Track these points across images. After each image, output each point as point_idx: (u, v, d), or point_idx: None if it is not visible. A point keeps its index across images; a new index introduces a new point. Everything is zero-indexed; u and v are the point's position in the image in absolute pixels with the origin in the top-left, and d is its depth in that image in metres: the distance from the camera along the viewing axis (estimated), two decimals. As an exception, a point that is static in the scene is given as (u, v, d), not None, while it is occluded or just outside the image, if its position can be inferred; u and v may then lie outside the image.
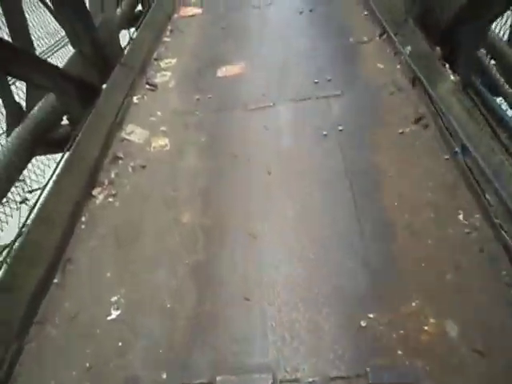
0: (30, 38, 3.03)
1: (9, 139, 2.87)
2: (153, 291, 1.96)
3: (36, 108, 3.09)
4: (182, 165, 2.63)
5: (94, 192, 2.52)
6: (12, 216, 3.06)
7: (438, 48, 2.63)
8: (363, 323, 1.67)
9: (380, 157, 2.38)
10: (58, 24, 3.34)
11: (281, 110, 2.91)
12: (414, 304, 1.69)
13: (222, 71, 3.45)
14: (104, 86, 3.15)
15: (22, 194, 3.71)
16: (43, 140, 3.08)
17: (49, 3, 2.91)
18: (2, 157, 2.76)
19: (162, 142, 2.83)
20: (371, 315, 1.69)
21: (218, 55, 3.70)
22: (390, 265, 1.86)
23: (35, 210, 2.16)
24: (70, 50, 3.98)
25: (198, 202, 2.34)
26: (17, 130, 2.93)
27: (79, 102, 2.97)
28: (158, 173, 2.61)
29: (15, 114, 3.07)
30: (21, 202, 3.85)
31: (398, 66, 2.97)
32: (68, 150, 2.59)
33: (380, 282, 1.81)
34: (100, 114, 2.89)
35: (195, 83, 3.38)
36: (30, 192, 3.78)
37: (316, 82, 3.08)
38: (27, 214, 2.19)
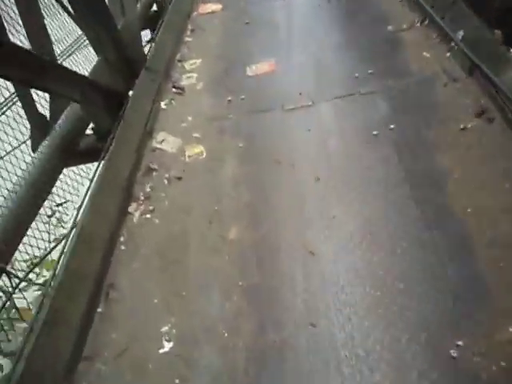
0: (51, 44, 2.88)
1: (36, 154, 2.74)
2: (206, 319, 1.79)
3: (61, 119, 2.96)
4: (221, 174, 2.44)
5: (130, 208, 2.35)
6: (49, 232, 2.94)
7: (497, 31, 2.37)
8: (454, 353, 1.46)
9: (441, 157, 2.16)
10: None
11: (322, 109, 2.69)
12: (511, 329, 1.47)
13: (252, 70, 3.25)
14: (130, 92, 2.99)
15: (51, 207, 3.61)
16: (70, 152, 2.95)
17: (70, 10, 2.74)
18: (31, 173, 2.63)
19: (197, 149, 2.65)
20: (460, 343, 1.48)
21: (245, 53, 3.49)
22: (474, 283, 1.64)
23: (73, 233, 2.01)
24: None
25: (244, 216, 2.16)
26: (44, 144, 2.80)
27: (106, 111, 2.81)
28: (196, 184, 2.43)
29: (40, 127, 2.94)
30: (49, 216, 3.74)
31: (448, 54, 2.71)
32: (100, 164, 2.43)
33: (465, 304, 1.59)
34: (129, 124, 2.73)
35: (224, 84, 3.18)
36: (58, 206, 3.68)
37: (356, 77, 2.85)
38: (68, 234, 2.02)
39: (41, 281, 3.96)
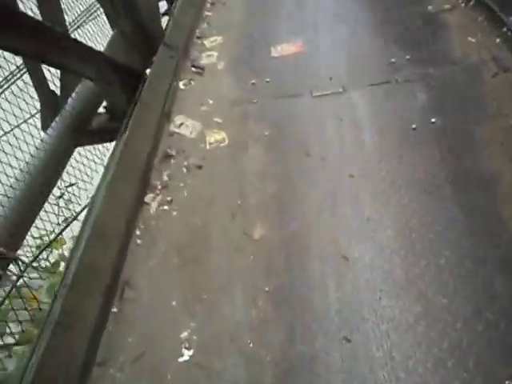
0: (62, 13, 2.68)
1: (47, 136, 2.58)
2: (229, 325, 1.65)
3: (72, 96, 2.78)
4: (244, 164, 2.26)
5: (147, 198, 2.20)
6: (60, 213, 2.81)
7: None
8: (508, 384, 1.32)
9: (490, 157, 1.96)
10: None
11: (354, 97, 2.48)
12: None
13: (277, 50, 3.02)
14: (147, 70, 2.79)
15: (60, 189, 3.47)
16: (82, 131, 2.79)
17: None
18: (41, 154, 2.48)
19: (219, 136, 2.47)
20: (515, 372, 1.34)
21: (269, 31, 3.25)
22: (529, 302, 1.49)
23: (88, 224, 1.86)
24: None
25: (270, 212, 2.00)
26: (55, 123, 2.64)
27: (122, 90, 2.62)
28: (218, 174, 2.26)
29: (50, 104, 2.77)
30: (58, 197, 3.61)
31: (498, 40, 2.47)
32: (116, 148, 2.26)
33: (518, 325, 1.44)
34: (146, 105, 2.54)
35: (247, 65, 2.96)
36: (68, 187, 3.54)
37: (392, 63, 2.61)
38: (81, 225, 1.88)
39: (50, 260, 3.87)
